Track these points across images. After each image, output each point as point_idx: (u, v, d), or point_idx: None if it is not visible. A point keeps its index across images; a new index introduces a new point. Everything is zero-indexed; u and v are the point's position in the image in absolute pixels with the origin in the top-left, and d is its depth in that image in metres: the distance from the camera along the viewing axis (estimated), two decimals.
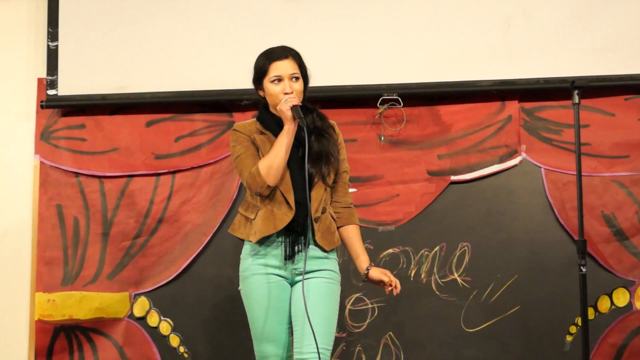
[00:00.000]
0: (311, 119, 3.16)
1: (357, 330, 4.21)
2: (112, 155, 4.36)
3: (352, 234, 3.24)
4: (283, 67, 3.10)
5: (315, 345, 2.97)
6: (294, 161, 3.11)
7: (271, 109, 3.18)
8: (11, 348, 4.36)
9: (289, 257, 3.09)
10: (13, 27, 4.51)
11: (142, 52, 4.33)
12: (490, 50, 4.21)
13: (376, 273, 3.19)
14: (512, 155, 4.22)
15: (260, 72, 3.14)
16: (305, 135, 3.02)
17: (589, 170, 4.15)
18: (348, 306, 4.20)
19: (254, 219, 3.12)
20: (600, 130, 4.20)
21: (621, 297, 4.14)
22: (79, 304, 4.28)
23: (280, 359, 3.09)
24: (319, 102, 3.32)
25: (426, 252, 4.21)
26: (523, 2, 4.22)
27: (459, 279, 4.19)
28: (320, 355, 2.99)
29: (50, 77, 4.35)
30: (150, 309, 4.29)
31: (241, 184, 4.18)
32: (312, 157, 3.10)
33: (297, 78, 3.12)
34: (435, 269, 4.20)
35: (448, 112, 4.27)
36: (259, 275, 3.10)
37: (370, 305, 4.21)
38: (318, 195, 3.12)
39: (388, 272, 3.19)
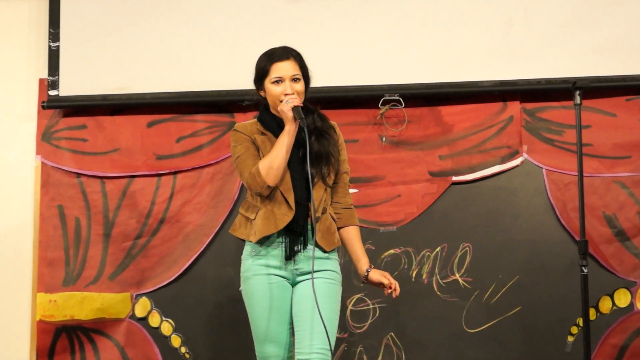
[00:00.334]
0: (312, 120, 3.15)
1: (359, 331, 4.21)
2: (114, 155, 4.36)
3: (352, 234, 3.23)
4: (284, 68, 3.10)
5: (327, 342, 2.96)
6: (295, 161, 3.11)
7: (272, 110, 3.18)
8: (13, 348, 4.36)
9: (289, 257, 3.09)
10: (14, 27, 4.51)
11: (143, 52, 4.33)
12: (492, 51, 4.21)
13: (376, 275, 3.18)
14: (514, 155, 4.22)
15: (261, 72, 3.14)
16: (305, 135, 3.02)
17: (591, 170, 4.14)
18: (349, 307, 4.20)
19: (254, 219, 3.12)
20: (601, 131, 4.20)
21: (622, 298, 4.14)
22: (80, 305, 4.28)
23: (281, 359, 3.09)
24: (320, 103, 3.32)
25: (427, 253, 4.21)
26: (524, 3, 4.21)
27: (460, 280, 4.19)
28: (322, 356, 2.99)
29: (51, 78, 4.35)
30: (151, 309, 4.29)
31: (242, 185, 4.17)
32: (312, 157, 3.09)
33: (298, 79, 3.11)
34: (436, 270, 4.20)
35: (449, 112, 4.27)
36: (260, 275, 3.10)
37: (371, 306, 4.20)
38: (318, 195, 3.11)
39: (388, 275, 3.18)
